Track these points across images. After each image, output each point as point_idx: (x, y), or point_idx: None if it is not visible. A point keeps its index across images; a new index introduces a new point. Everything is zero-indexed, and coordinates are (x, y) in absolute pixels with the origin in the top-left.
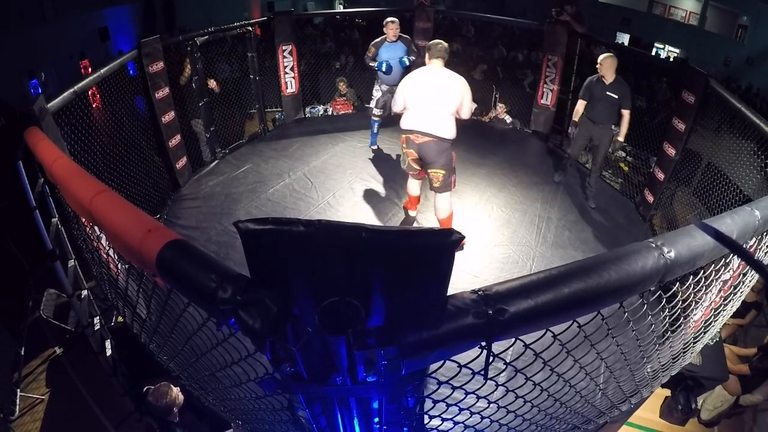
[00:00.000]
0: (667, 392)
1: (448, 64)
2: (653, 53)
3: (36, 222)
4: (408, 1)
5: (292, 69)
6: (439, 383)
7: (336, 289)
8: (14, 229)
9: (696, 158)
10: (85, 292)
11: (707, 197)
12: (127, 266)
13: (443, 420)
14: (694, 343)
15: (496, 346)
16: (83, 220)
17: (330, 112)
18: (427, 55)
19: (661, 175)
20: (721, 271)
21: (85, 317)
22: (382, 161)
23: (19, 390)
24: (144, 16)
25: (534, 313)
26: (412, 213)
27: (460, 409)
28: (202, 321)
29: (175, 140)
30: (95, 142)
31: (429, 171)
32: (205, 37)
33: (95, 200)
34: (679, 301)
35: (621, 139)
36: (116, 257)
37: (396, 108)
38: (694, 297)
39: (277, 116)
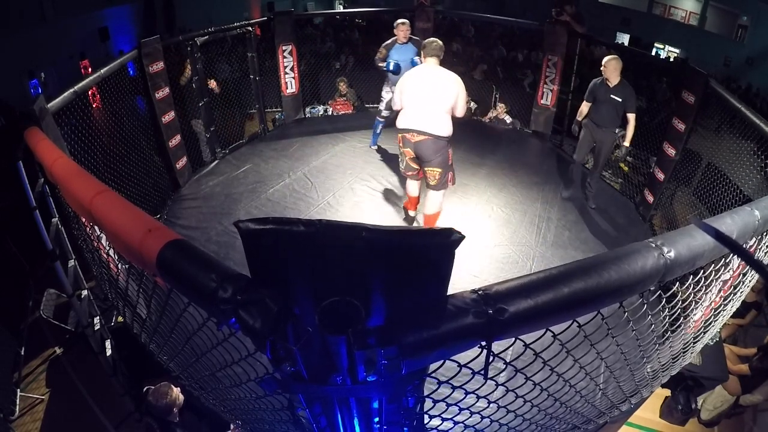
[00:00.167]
0: (667, 392)
1: (449, 65)
2: (653, 53)
3: (36, 222)
4: (408, 1)
5: (292, 69)
6: (439, 383)
7: (336, 289)
8: (14, 229)
9: (696, 158)
10: (85, 292)
11: (707, 197)
12: (127, 266)
13: (443, 420)
14: (694, 343)
15: (496, 346)
16: (83, 220)
17: (330, 112)
18: (422, 53)
19: (661, 175)
20: (721, 271)
21: (85, 317)
22: (382, 161)
23: (19, 390)
24: (144, 16)
25: (534, 313)
26: (412, 213)
27: (460, 409)
28: (202, 321)
29: (175, 140)
30: (95, 142)
31: (426, 169)
32: (205, 37)
33: (95, 200)
34: (679, 301)
35: (627, 144)
36: (116, 257)
37: (396, 107)
38: (694, 297)
39: (277, 116)
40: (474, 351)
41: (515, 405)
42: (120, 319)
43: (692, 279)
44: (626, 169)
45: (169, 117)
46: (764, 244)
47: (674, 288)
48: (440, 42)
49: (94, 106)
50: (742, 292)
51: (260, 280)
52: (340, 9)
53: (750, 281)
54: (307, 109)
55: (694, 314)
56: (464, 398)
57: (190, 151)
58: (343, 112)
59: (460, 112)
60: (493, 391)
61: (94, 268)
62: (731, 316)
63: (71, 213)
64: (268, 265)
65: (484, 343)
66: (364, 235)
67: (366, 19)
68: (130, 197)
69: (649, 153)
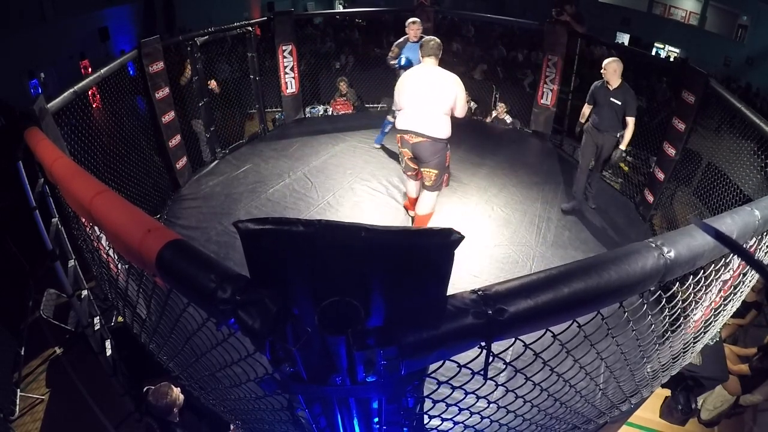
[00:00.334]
0: (667, 392)
1: (449, 65)
2: (653, 53)
3: (36, 222)
4: (408, 1)
5: (292, 69)
6: (439, 383)
7: (335, 289)
8: (14, 229)
9: (696, 158)
10: (85, 292)
11: (707, 197)
12: (127, 266)
13: (443, 420)
14: (694, 343)
15: (496, 346)
16: (83, 220)
17: (330, 112)
18: (420, 53)
19: (661, 175)
20: (721, 271)
21: (85, 317)
22: (382, 161)
23: (19, 390)
24: (144, 16)
25: (534, 313)
26: (412, 213)
27: (460, 409)
28: (201, 321)
29: (175, 140)
30: (95, 142)
31: (422, 169)
32: (205, 37)
33: (95, 200)
34: (679, 301)
35: (623, 147)
36: (116, 257)
37: (395, 107)
38: (694, 297)
39: (277, 116)
40: (474, 351)
41: (515, 405)
42: (120, 319)
43: (692, 279)
44: (626, 168)
45: (169, 117)
46: (764, 244)
47: (674, 288)
48: (438, 40)
49: (94, 106)
50: (742, 292)
51: (259, 280)
52: (340, 9)
53: (750, 281)
54: (307, 109)
55: (694, 314)
56: (464, 398)
57: (190, 151)
58: (343, 112)
59: (459, 113)
60: (493, 392)
61: (94, 268)
62: (731, 316)
63: (71, 213)
64: (267, 265)
65: (483, 344)
66: (363, 235)
67: (366, 19)
68: (130, 197)
69: (649, 153)
